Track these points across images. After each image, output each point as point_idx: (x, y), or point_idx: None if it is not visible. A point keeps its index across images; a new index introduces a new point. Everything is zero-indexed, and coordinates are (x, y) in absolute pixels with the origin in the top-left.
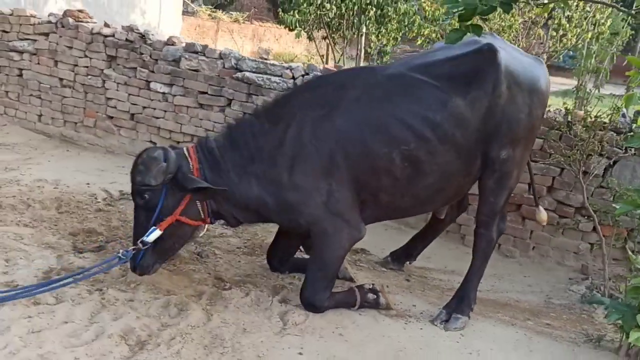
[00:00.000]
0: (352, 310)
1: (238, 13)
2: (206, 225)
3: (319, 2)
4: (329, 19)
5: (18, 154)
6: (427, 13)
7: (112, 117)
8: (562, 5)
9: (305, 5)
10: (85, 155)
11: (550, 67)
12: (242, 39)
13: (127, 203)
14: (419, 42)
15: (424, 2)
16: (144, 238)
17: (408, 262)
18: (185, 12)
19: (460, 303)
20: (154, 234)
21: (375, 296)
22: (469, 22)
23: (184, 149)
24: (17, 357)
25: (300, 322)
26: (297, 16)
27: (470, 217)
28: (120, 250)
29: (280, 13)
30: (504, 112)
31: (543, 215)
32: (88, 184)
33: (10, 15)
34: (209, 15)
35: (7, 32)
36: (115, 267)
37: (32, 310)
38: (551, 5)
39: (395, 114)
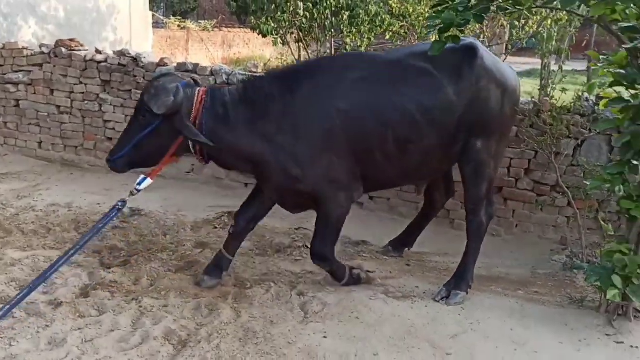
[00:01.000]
0: (364, 297)
1: (207, 21)
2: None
3: (291, 9)
4: (301, 24)
5: (26, 182)
6: (395, 10)
7: (111, 139)
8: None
9: (279, 13)
10: (89, 177)
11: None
12: (213, 46)
13: (140, 219)
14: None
15: (391, 1)
16: (136, 186)
17: (407, 249)
18: (155, 25)
19: (459, 281)
20: (145, 183)
21: (358, 272)
22: (448, 34)
23: (197, 89)
24: None
25: (319, 310)
26: (272, 24)
27: (457, 203)
28: (119, 203)
29: (252, 20)
30: (482, 104)
31: None
32: (99, 204)
33: (2, 49)
34: (178, 26)
35: (1, 65)
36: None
37: (81, 323)
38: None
39: (392, 97)
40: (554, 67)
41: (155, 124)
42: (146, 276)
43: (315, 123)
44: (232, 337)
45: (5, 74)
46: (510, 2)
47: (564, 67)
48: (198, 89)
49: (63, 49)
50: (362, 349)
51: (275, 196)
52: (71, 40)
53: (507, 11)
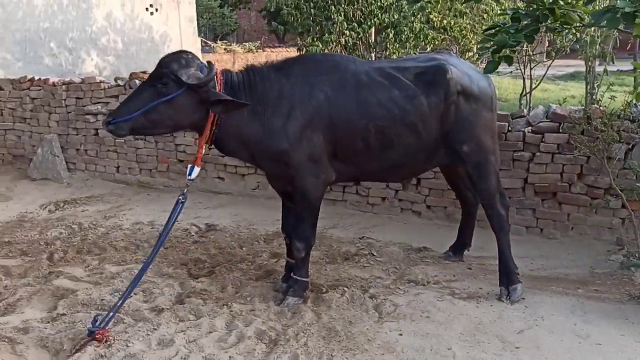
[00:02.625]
0: (432, 298)
1: (251, 43)
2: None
3: (338, 29)
4: (346, 42)
5: (109, 203)
6: (436, 23)
7: (182, 161)
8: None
9: (326, 34)
10: (164, 197)
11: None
12: None
13: (216, 233)
14: (428, 49)
15: (432, 14)
16: (188, 177)
17: (467, 250)
18: (203, 50)
19: (508, 276)
20: (195, 172)
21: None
22: (501, 54)
23: (215, 69)
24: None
25: (392, 311)
26: (320, 45)
27: (512, 209)
28: (180, 197)
29: (298, 41)
30: (456, 115)
31: None
32: (177, 221)
33: (82, 83)
34: (225, 49)
35: (80, 98)
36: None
37: (182, 326)
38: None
39: (375, 95)
40: (598, 68)
41: (176, 93)
42: (231, 284)
43: (305, 103)
44: (317, 335)
45: (85, 106)
46: (559, 23)
47: (609, 68)
48: (215, 68)
49: (137, 81)
50: (436, 343)
51: (271, 182)
52: (143, 72)
53: (556, 30)
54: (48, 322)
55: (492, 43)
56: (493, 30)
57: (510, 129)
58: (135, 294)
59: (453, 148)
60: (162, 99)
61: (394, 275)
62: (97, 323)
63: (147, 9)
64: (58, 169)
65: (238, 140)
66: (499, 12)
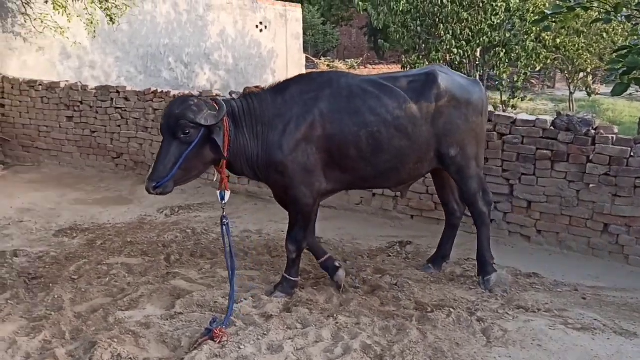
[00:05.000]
0: (543, 326)
1: (353, 60)
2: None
3: (445, 47)
4: (452, 60)
5: (219, 211)
6: (547, 42)
7: None
8: None
9: (433, 52)
10: (271, 207)
11: None
12: None
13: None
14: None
15: (544, 33)
16: (222, 203)
17: (445, 263)
18: (307, 66)
19: (484, 266)
20: (227, 196)
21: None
22: (632, 76)
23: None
24: None
25: (500, 336)
26: (426, 62)
27: (632, 238)
28: (224, 220)
29: (403, 58)
30: (446, 120)
31: None
32: (283, 231)
33: (199, 96)
34: (327, 65)
35: None
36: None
37: (290, 333)
38: None
39: (367, 104)
40: None
41: (198, 138)
42: (335, 296)
43: (300, 118)
44: (423, 354)
45: None
46: None
47: None
48: (223, 104)
49: None
50: None
51: (276, 196)
52: (256, 87)
53: None
54: (167, 320)
55: (622, 64)
56: (623, 52)
57: (632, 154)
58: (245, 299)
59: (441, 152)
60: (190, 148)
61: (502, 299)
62: (215, 323)
63: (257, 26)
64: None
65: (244, 160)
66: (619, 31)
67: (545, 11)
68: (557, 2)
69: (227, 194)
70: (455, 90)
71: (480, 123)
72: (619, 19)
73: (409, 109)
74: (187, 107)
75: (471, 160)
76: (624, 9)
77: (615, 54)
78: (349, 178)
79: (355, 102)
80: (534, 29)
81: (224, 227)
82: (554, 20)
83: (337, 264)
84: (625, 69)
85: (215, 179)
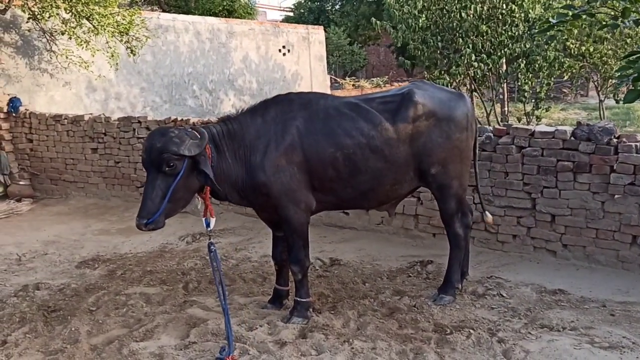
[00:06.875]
0: (567, 346)
1: (378, 78)
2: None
3: (465, 61)
4: (475, 74)
5: (240, 236)
6: (572, 50)
7: None
8: None
9: (453, 67)
10: None
11: None
12: None
13: (339, 268)
14: (565, 78)
15: (568, 41)
16: (208, 230)
17: (465, 279)
18: (332, 87)
19: (446, 285)
20: (212, 222)
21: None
22: None
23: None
24: None
25: (522, 358)
26: (447, 78)
27: None
28: (211, 246)
29: (425, 74)
30: (425, 139)
31: (489, 218)
32: None
33: None
34: (353, 85)
35: None
36: (350, 321)
37: None
38: None
39: (342, 126)
40: None
41: (183, 169)
42: (352, 321)
43: (279, 138)
44: None
45: None
46: None
47: None
48: (204, 131)
49: None
50: None
51: (259, 213)
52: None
53: None
54: (181, 350)
55: (631, 71)
56: (632, 58)
57: None
58: (260, 325)
59: (421, 170)
60: (176, 180)
61: (525, 318)
62: (224, 352)
63: (279, 50)
64: (196, 203)
65: (228, 184)
66: None
67: (550, 20)
68: (560, 10)
69: (213, 221)
70: (435, 107)
71: (465, 139)
72: (627, 23)
73: (384, 130)
74: (169, 139)
75: (453, 180)
76: (633, 13)
77: (625, 60)
78: (330, 199)
79: (330, 123)
80: (557, 37)
81: (211, 254)
82: (559, 29)
83: (284, 301)
84: (636, 74)
85: (199, 206)
